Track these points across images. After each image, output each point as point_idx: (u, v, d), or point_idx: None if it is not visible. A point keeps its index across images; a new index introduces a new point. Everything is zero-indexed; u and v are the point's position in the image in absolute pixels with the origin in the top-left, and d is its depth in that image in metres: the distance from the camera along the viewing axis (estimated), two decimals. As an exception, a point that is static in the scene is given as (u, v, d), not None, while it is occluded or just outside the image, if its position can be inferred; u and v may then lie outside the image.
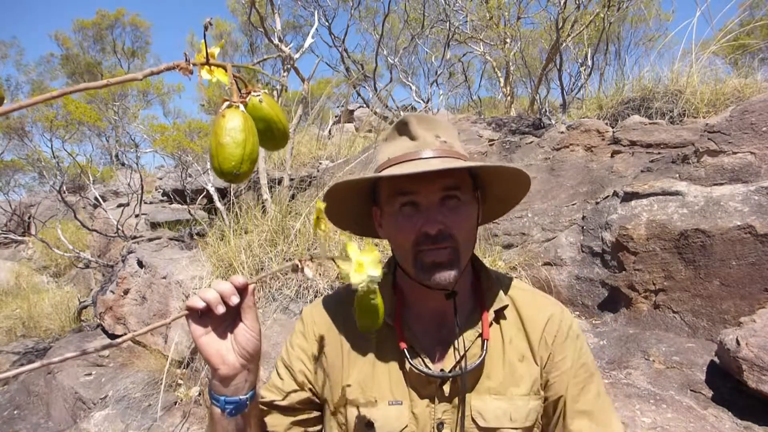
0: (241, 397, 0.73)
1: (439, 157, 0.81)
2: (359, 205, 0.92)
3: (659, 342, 1.94)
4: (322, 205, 0.66)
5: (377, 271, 0.63)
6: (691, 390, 1.67)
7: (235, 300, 0.68)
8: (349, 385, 0.85)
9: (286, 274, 2.61)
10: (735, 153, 2.19)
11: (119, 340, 0.55)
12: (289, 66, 3.48)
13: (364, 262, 0.63)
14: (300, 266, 0.66)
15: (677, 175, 2.33)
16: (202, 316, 0.69)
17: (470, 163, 0.80)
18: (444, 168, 0.75)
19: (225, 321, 0.71)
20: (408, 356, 0.82)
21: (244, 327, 0.71)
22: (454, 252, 0.79)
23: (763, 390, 1.47)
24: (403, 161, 0.82)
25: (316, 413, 0.92)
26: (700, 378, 1.71)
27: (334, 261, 0.65)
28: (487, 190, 0.90)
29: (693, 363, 1.78)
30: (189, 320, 0.69)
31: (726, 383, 1.64)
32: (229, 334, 0.71)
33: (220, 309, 0.67)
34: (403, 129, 0.86)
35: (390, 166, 0.83)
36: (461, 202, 0.81)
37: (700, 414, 1.54)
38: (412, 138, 0.84)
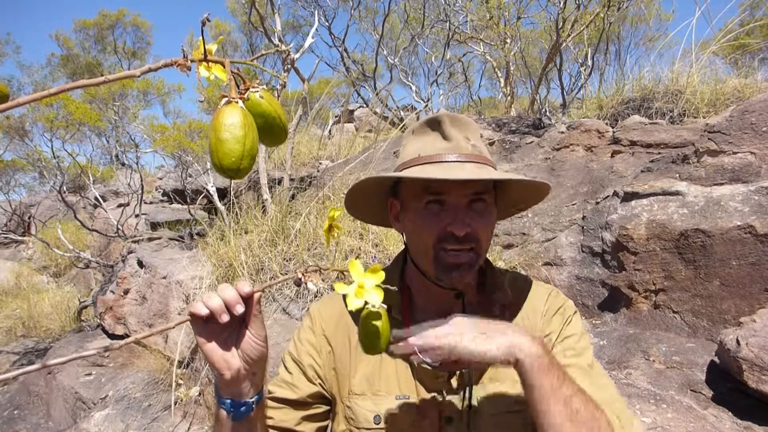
0: (247, 399, 0.72)
1: (471, 162, 0.82)
2: (376, 196, 0.93)
3: (659, 342, 1.94)
4: (336, 213, 0.65)
5: (378, 297, 0.61)
6: (691, 390, 1.67)
7: (240, 309, 0.65)
8: (356, 379, 0.86)
9: (286, 274, 2.61)
10: (735, 153, 2.18)
11: (122, 342, 0.53)
12: (289, 66, 3.48)
13: (366, 285, 0.60)
14: (303, 280, 0.63)
15: (677, 175, 2.33)
16: (207, 322, 0.67)
17: (506, 175, 0.81)
18: (480, 178, 0.77)
19: (230, 327, 0.69)
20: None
21: (250, 335, 0.69)
22: (476, 255, 0.81)
23: (763, 390, 1.47)
24: (436, 161, 0.82)
25: (325, 407, 0.92)
26: (700, 378, 1.71)
27: (342, 273, 0.63)
28: (503, 195, 0.92)
29: (693, 363, 1.78)
30: (193, 326, 0.68)
31: (726, 383, 1.64)
32: (234, 340, 0.70)
33: (224, 318, 0.64)
34: (435, 126, 0.86)
35: (421, 164, 0.83)
36: (487, 205, 0.83)
37: (700, 414, 1.54)
38: (445, 137, 0.84)
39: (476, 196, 0.81)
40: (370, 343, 0.65)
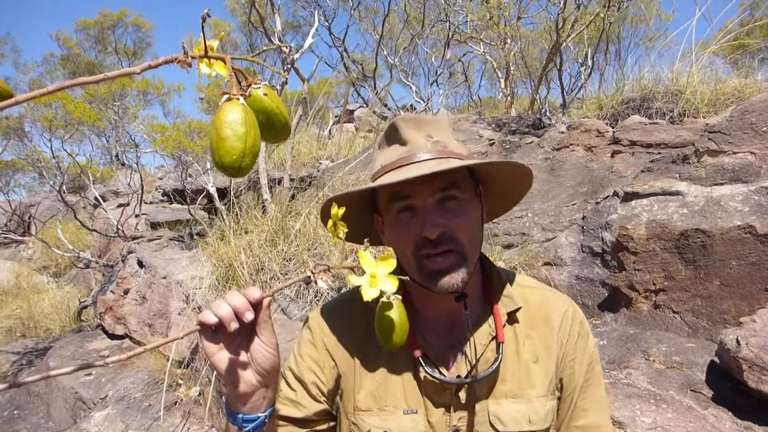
0: (259, 414, 0.70)
1: (432, 158, 0.78)
2: (361, 216, 0.89)
3: (659, 342, 1.94)
4: (340, 211, 0.62)
5: (392, 284, 0.58)
6: (691, 390, 1.67)
7: (249, 316, 0.63)
8: (361, 395, 0.83)
9: (286, 274, 2.61)
10: (735, 153, 2.18)
11: (132, 353, 0.53)
12: (289, 66, 3.48)
13: (378, 274, 0.58)
14: (313, 278, 0.61)
15: (677, 175, 2.33)
16: (215, 331, 0.65)
17: (463, 162, 0.77)
18: (435, 171, 0.72)
19: (240, 335, 0.67)
20: (422, 364, 0.80)
21: (260, 343, 0.67)
22: (459, 255, 0.77)
23: (763, 390, 1.47)
24: (397, 167, 0.79)
25: (332, 423, 0.89)
26: (700, 378, 1.71)
27: (353, 271, 0.60)
28: (489, 187, 0.88)
29: (693, 363, 1.78)
30: (201, 336, 0.66)
31: (726, 383, 1.64)
32: (244, 350, 0.68)
33: (234, 326, 0.62)
34: (393, 134, 0.84)
35: (384, 173, 0.81)
36: (461, 202, 0.78)
37: (700, 414, 1.54)
38: (403, 143, 0.81)
39: (444, 192, 0.77)
40: (388, 337, 0.63)
